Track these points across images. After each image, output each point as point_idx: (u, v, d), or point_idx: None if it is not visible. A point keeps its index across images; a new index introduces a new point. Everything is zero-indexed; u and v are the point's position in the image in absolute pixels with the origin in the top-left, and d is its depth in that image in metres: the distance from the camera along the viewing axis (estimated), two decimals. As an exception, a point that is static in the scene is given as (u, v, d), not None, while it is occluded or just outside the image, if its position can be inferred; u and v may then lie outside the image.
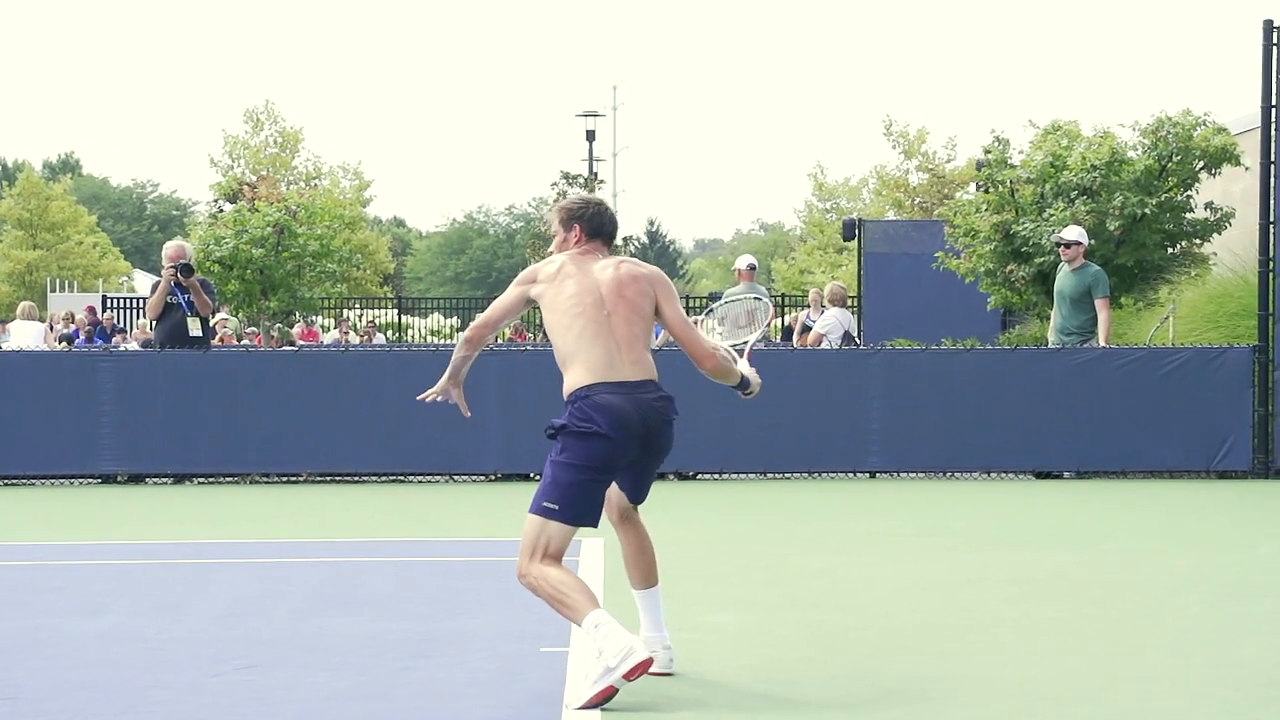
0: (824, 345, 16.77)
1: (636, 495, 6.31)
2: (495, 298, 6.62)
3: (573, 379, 6.11)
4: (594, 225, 6.36)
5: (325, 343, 34.79)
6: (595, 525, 6.14)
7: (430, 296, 66.13)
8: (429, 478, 15.02)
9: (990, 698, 5.88)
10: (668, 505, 13.01)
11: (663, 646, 6.22)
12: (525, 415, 14.30)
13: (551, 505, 5.99)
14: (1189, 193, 19.14)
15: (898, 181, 46.79)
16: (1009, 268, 19.34)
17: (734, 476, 15.13)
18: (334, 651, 6.65)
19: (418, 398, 6.67)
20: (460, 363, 6.59)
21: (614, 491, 6.27)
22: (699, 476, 15.17)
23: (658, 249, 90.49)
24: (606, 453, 6.03)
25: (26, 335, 20.24)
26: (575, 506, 6.02)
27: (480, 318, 6.43)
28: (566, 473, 6.01)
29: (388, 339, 40.25)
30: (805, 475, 15.03)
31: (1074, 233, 15.43)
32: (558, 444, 6.06)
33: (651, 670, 5.86)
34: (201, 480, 15.04)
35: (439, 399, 6.66)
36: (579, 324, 6.14)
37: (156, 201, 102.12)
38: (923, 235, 27.29)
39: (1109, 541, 10.52)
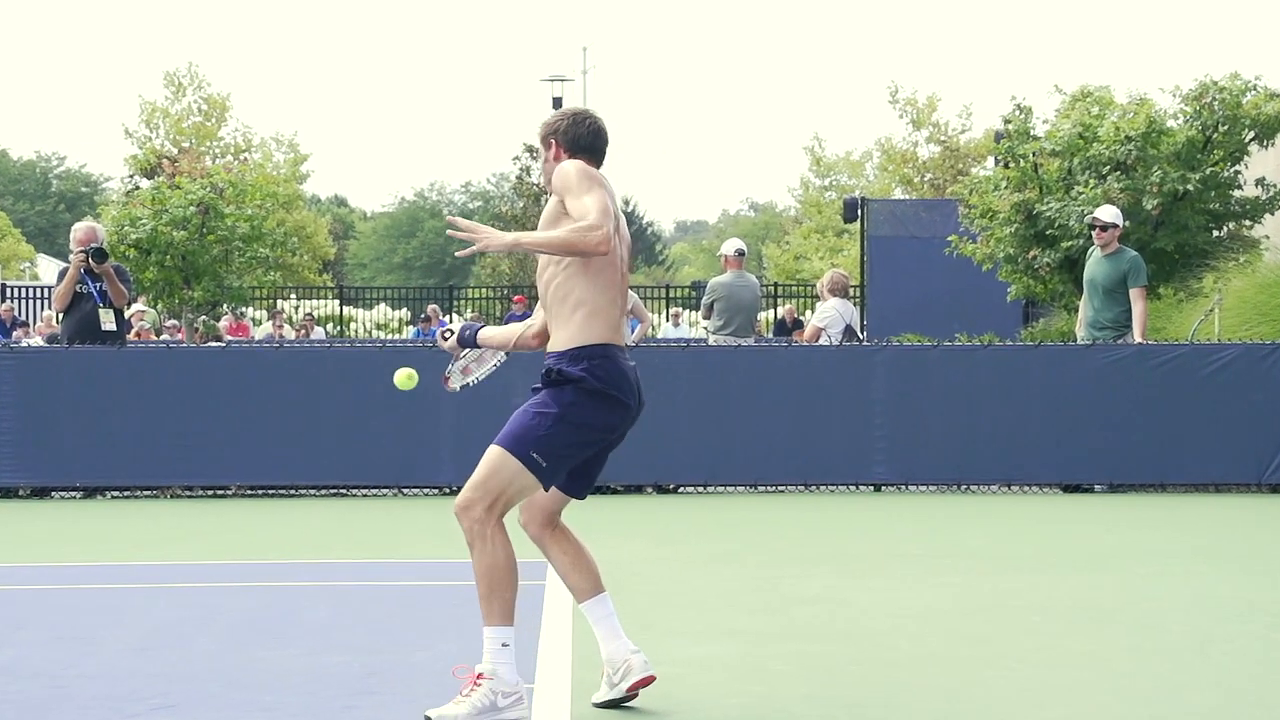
0: (822, 340, 16.79)
1: (583, 488, 6.30)
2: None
3: (592, 331, 6.06)
4: (571, 139, 6.27)
5: (257, 338, 34.73)
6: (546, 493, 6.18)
7: (376, 285, 66.03)
8: (375, 491, 15.00)
9: (1010, 740, 5.89)
10: (646, 522, 13.01)
11: (632, 652, 6.25)
12: (483, 420, 14.27)
13: (539, 459, 5.96)
14: (1237, 168, 19.22)
15: (905, 155, 46.87)
16: (1032, 253, 19.40)
17: (721, 489, 15.15)
18: (265, 688, 6.63)
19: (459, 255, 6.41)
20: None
21: (531, 500, 6.21)
22: (681, 489, 15.18)
23: (634, 232, 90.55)
24: (617, 423, 6.09)
25: (-85, 329, 20.14)
26: (558, 470, 6.04)
27: (600, 217, 5.91)
28: (567, 431, 5.99)
29: (328, 333, 40.20)
30: (801, 488, 15.05)
31: (1108, 213, 15.47)
32: (563, 394, 6.01)
33: (641, 681, 6.15)
34: (115, 494, 15.00)
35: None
36: (609, 271, 6.12)
37: (63, 177, 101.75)
38: (934, 216, 27.38)
39: (1145, 564, 10.55)
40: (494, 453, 6.00)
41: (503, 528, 5.98)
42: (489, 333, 6.62)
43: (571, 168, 6.07)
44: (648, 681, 6.17)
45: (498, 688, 5.88)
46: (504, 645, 5.90)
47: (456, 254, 6.41)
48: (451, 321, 39.81)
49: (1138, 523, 13.11)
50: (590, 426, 6.04)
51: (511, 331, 6.52)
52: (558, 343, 6.11)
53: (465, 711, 5.84)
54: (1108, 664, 7.21)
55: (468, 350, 6.70)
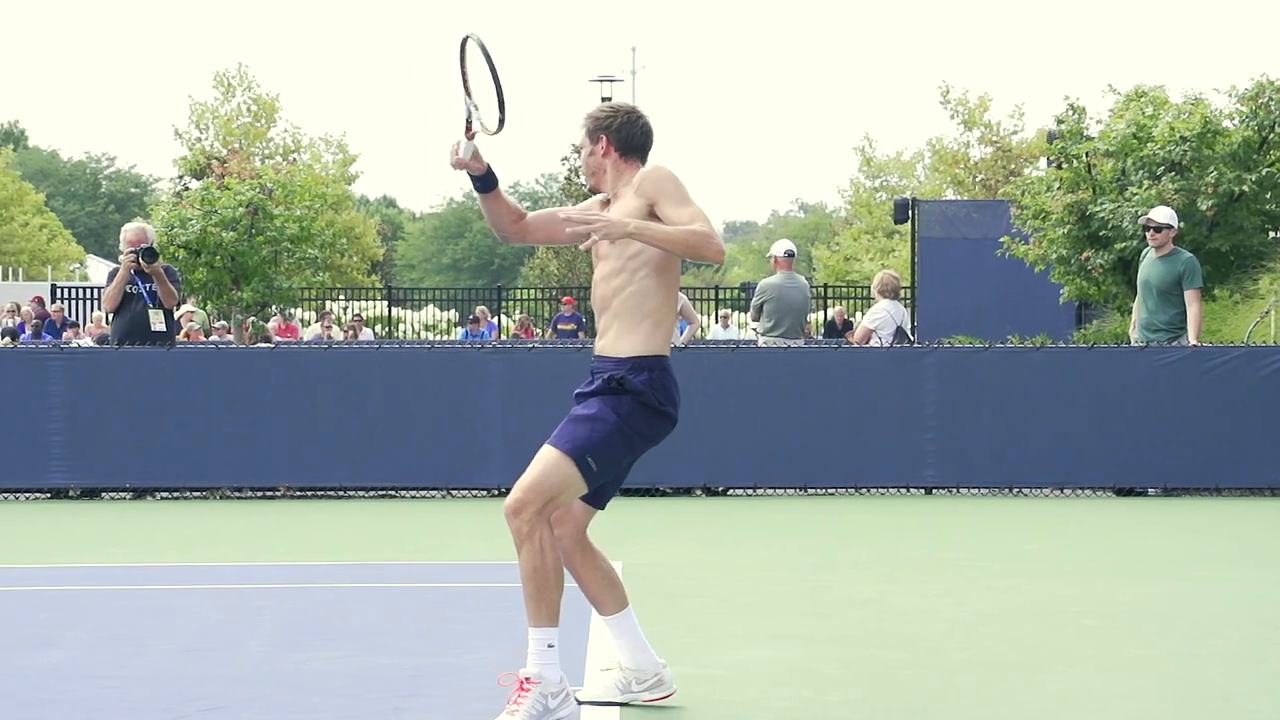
0: (873, 342, 16.75)
1: (605, 499, 6.31)
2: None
3: (655, 342, 6.12)
4: (624, 137, 6.29)
5: (305, 339, 34.87)
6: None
7: (424, 287, 66.23)
8: (423, 493, 15.03)
9: (1062, 747, 5.86)
10: (695, 524, 13.01)
11: (662, 666, 6.33)
12: (532, 422, 14.29)
13: (594, 464, 6.01)
14: (1293, 168, 19.09)
15: (956, 156, 46.73)
16: (1085, 254, 19.32)
17: (770, 492, 15.12)
18: (312, 690, 6.66)
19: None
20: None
21: (564, 512, 6.18)
22: (730, 492, 15.17)
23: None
24: (662, 435, 6.17)
25: (-34, 329, 20.31)
26: (604, 477, 6.10)
27: (711, 226, 6.08)
28: (621, 439, 6.05)
29: (376, 334, 40.33)
30: (851, 491, 15.01)
31: (1162, 214, 15.38)
32: (622, 404, 6.04)
33: (662, 696, 6.24)
34: (164, 495, 15.08)
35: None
36: (676, 284, 6.22)
37: (113, 178, 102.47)
38: (985, 217, 27.29)
39: (1199, 568, 10.49)
40: (550, 455, 6.00)
41: (551, 530, 5.99)
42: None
43: (669, 173, 6.11)
44: (668, 695, 6.30)
45: (546, 690, 5.90)
46: (549, 646, 5.94)
47: (580, 247, 6.33)
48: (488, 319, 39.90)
49: (1192, 527, 13.04)
50: (642, 437, 6.10)
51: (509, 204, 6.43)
52: (620, 349, 6.12)
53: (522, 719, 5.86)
54: (1161, 670, 7.17)
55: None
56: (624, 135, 6.28)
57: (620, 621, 6.30)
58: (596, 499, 6.23)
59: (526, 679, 5.92)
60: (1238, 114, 19.29)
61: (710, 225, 6.02)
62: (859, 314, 36.28)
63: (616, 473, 6.16)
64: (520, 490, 5.98)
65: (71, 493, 14.99)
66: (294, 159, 49.85)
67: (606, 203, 6.28)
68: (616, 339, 6.13)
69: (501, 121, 6.19)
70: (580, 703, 6.25)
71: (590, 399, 6.11)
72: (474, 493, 14.95)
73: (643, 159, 6.28)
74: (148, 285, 15.33)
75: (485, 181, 6.30)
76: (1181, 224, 17.06)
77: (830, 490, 15.05)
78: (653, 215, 6.03)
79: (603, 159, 6.28)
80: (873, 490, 15.04)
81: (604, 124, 6.30)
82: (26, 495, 15.01)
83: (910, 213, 28.31)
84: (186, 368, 15.08)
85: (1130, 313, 16.64)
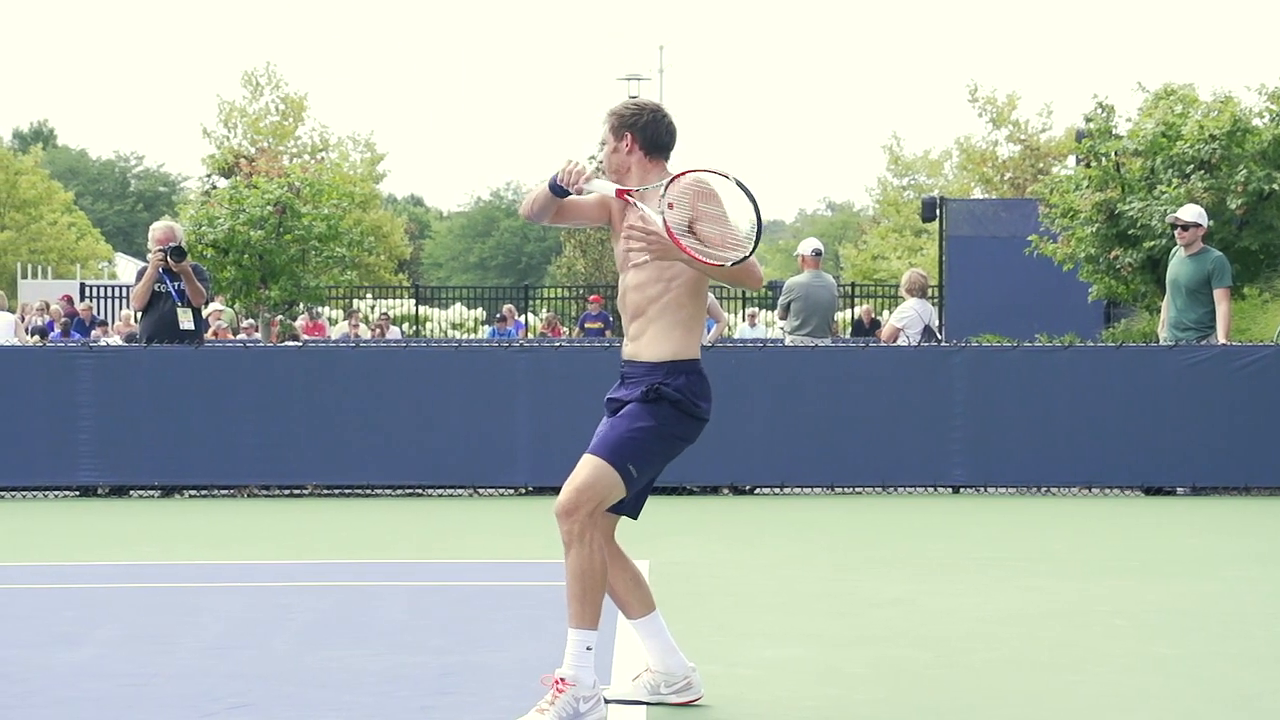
0: (900, 341, 16.73)
1: (638, 507, 6.34)
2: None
3: (689, 346, 6.17)
4: (650, 136, 6.26)
5: (333, 337, 34.94)
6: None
7: (451, 285, 66.30)
8: (450, 491, 15.05)
9: (1090, 747, 5.85)
10: (722, 523, 13.01)
11: (691, 670, 6.35)
12: (559, 421, 14.34)
13: (633, 470, 6.06)
14: (1324, 167, 19.01)
15: (984, 154, 46.60)
16: (1114, 253, 19.26)
17: (796, 491, 15.12)
18: (341, 688, 6.67)
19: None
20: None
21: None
22: (757, 491, 15.16)
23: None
24: (695, 436, 6.20)
25: (-5, 328, 20.39)
26: (642, 481, 6.15)
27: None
28: (659, 444, 6.10)
29: (403, 333, 40.38)
30: (878, 490, 15.00)
31: (1189, 213, 15.34)
32: (659, 410, 6.08)
33: (690, 700, 6.27)
34: (193, 493, 15.13)
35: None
36: (706, 287, 6.24)
37: (142, 176, 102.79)
38: (1013, 216, 27.23)
39: (1230, 568, 10.46)
40: (593, 462, 6.04)
41: (599, 532, 6.03)
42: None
43: (714, 192, 6.07)
44: (696, 699, 6.32)
45: (579, 693, 5.93)
46: (588, 649, 5.97)
47: (638, 256, 6.17)
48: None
49: (1221, 526, 13.00)
50: (678, 440, 6.15)
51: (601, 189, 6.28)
52: (655, 354, 6.14)
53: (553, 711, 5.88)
54: (1190, 669, 7.15)
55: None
56: (650, 133, 6.26)
57: (648, 625, 6.32)
58: (633, 508, 6.27)
59: (561, 680, 5.94)
60: (1267, 112, 19.20)
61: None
62: (886, 313, 36.19)
63: (653, 476, 6.21)
64: (573, 491, 6.01)
65: (100, 491, 15.04)
66: (322, 158, 49.89)
67: (622, 194, 6.19)
68: (650, 344, 6.15)
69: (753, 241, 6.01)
70: (608, 701, 6.26)
71: (627, 406, 6.13)
72: (501, 491, 14.97)
73: (666, 157, 6.28)
74: (176, 284, 15.38)
75: (566, 193, 6.26)
76: (1211, 222, 17.00)
77: (857, 489, 15.04)
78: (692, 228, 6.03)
79: (627, 156, 6.27)
80: (900, 489, 15.02)
81: (629, 121, 6.27)
82: (55, 493, 15.07)
83: (938, 211, 28.26)
84: (214, 366, 15.13)
85: (1159, 311, 16.60)
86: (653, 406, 6.08)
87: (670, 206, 5.99)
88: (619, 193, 6.15)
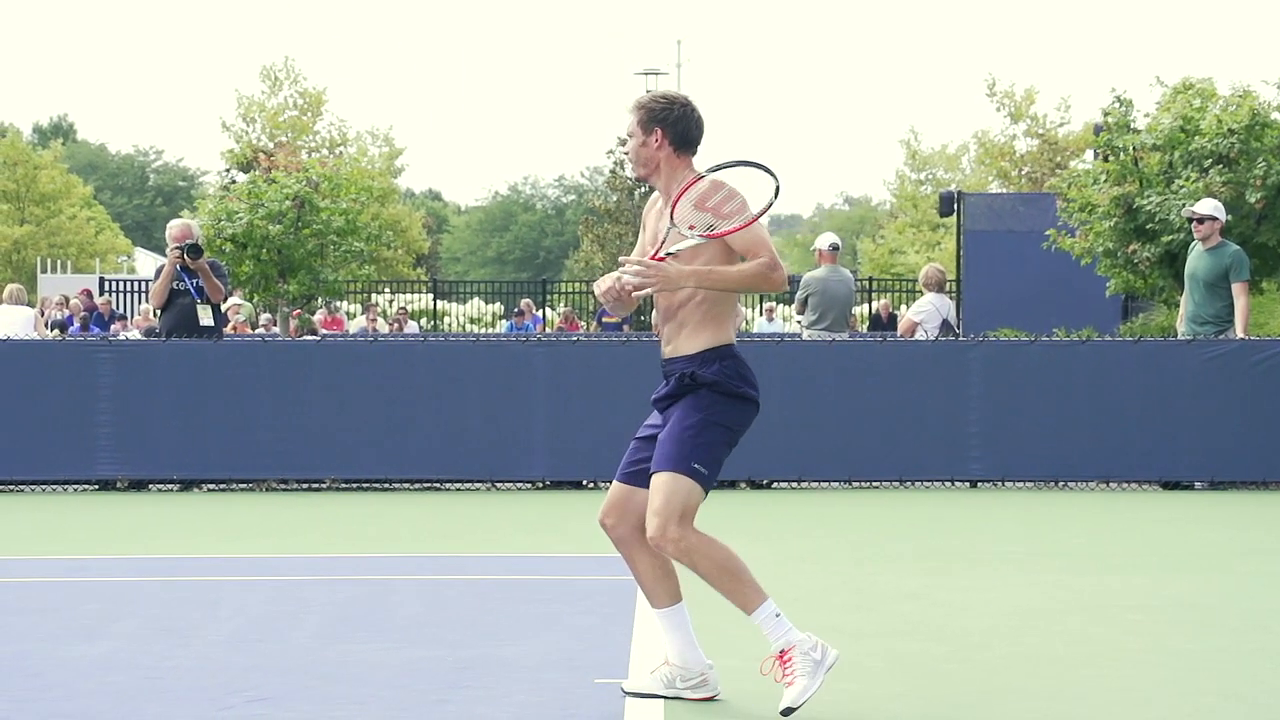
0: (918, 335, 16.70)
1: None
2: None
3: (722, 333, 6.17)
4: (680, 132, 6.20)
5: (351, 331, 34.98)
6: None
7: (469, 279, 66.39)
8: (467, 485, 15.06)
9: (1108, 741, 5.83)
10: (739, 517, 12.99)
11: (709, 667, 6.35)
12: (576, 415, 14.32)
13: (701, 469, 6.08)
14: (1342, 161, 18.95)
15: (1002, 149, 46.55)
16: (1131, 247, 19.22)
17: (814, 485, 15.11)
18: (358, 681, 6.67)
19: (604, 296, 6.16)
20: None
21: (626, 499, 6.26)
22: (774, 485, 15.15)
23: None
24: (750, 419, 6.21)
25: (14, 322, 20.41)
26: (717, 473, 6.16)
27: (774, 254, 6.07)
28: (715, 433, 6.11)
29: (421, 327, 40.43)
30: (895, 484, 14.98)
31: (1206, 206, 15.31)
32: (701, 400, 6.09)
33: (705, 697, 6.27)
34: (211, 487, 15.15)
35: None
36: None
37: (160, 171, 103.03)
38: (1031, 210, 27.21)
39: (1247, 562, 10.43)
40: (662, 479, 6.06)
41: (699, 531, 6.08)
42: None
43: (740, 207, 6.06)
44: (712, 697, 6.31)
45: (803, 649, 5.98)
46: (777, 615, 6.04)
47: (635, 293, 6.09)
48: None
49: (1239, 521, 12.97)
50: (732, 425, 6.16)
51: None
52: (689, 347, 6.14)
53: (807, 683, 5.94)
54: (1209, 664, 7.13)
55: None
56: (680, 130, 6.19)
57: (671, 616, 6.31)
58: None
59: (781, 652, 6.00)
60: (1286, 105, 19.17)
61: (773, 253, 6.04)
62: (904, 307, 36.17)
63: (725, 459, 6.20)
64: (653, 517, 6.05)
65: (119, 484, 15.07)
66: (340, 152, 49.96)
67: (656, 258, 6.08)
68: (685, 341, 6.16)
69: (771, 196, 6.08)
70: (625, 693, 6.26)
71: (669, 410, 6.15)
72: (518, 485, 14.97)
73: (694, 153, 6.25)
74: (194, 281, 15.40)
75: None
76: (1229, 216, 16.95)
77: (875, 483, 15.02)
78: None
79: (656, 152, 6.21)
80: (917, 483, 15.00)
81: (659, 116, 6.19)
82: (75, 487, 15.11)
83: (956, 206, 28.22)
84: (233, 360, 15.14)
85: (1177, 306, 16.56)
86: (692, 398, 6.09)
87: (691, 228, 6.01)
88: (654, 256, 6.09)
